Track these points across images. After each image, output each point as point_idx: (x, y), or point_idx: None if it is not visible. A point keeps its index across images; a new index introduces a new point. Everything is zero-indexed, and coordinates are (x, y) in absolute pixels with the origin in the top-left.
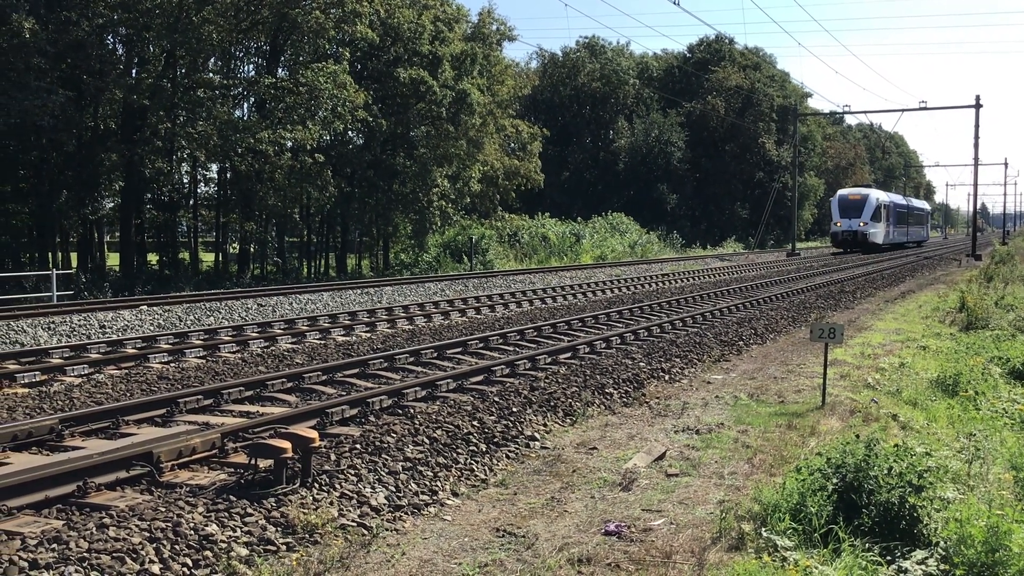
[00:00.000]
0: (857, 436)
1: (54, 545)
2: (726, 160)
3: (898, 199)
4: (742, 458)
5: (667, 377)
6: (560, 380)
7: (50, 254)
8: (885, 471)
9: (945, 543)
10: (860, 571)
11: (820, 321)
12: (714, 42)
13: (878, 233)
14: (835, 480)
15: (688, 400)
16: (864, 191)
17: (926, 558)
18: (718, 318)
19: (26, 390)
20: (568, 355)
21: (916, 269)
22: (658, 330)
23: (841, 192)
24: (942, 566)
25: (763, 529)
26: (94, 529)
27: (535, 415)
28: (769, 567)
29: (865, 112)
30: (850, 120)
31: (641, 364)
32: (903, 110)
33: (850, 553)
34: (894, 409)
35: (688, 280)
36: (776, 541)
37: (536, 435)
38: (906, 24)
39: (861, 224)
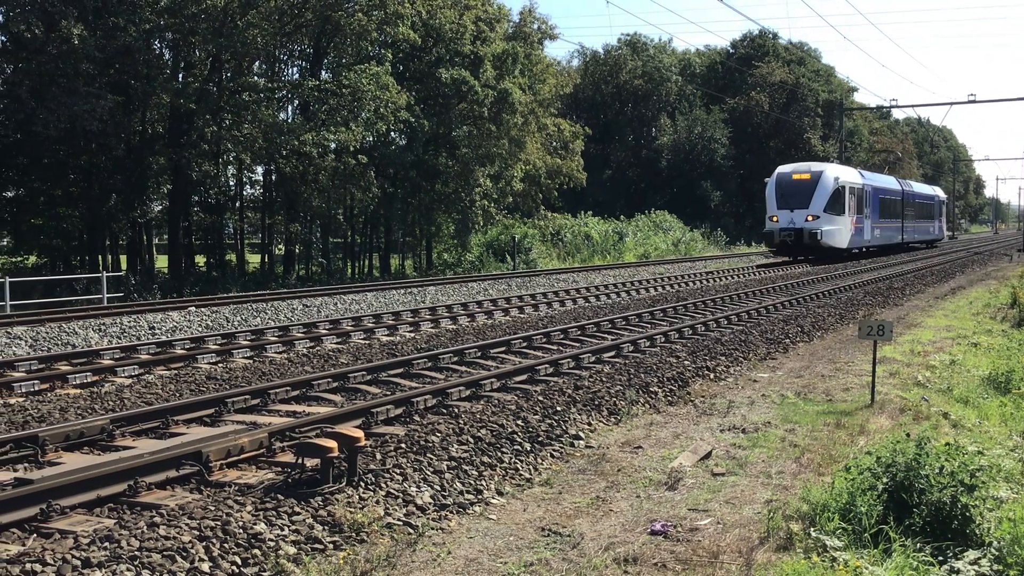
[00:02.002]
0: (907, 435)
1: (106, 544)
2: (771, 156)
3: (883, 180)
4: (790, 457)
5: (712, 375)
6: (604, 379)
7: (100, 257)
8: (936, 470)
9: (998, 543)
10: (911, 571)
11: (868, 318)
12: (758, 37)
13: (838, 232)
14: (885, 479)
15: (734, 399)
16: (817, 167)
17: (979, 558)
18: (763, 316)
19: (78, 391)
20: (612, 354)
21: (966, 265)
22: (703, 328)
23: (781, 170)
24: (995, 566)
25: (812, 529)
26: (145, 528)
27: (579, 414)
28: (818, 567)
29: (912, 106)
30: (897, 114)
31: (686, 362)
32: (951, 103)
33: (901, 553)
34: (945, 407)
35: (732, 278)
36: (825, 541)
37: (580, 434)
38: (954, 16)
39: (809, 218)
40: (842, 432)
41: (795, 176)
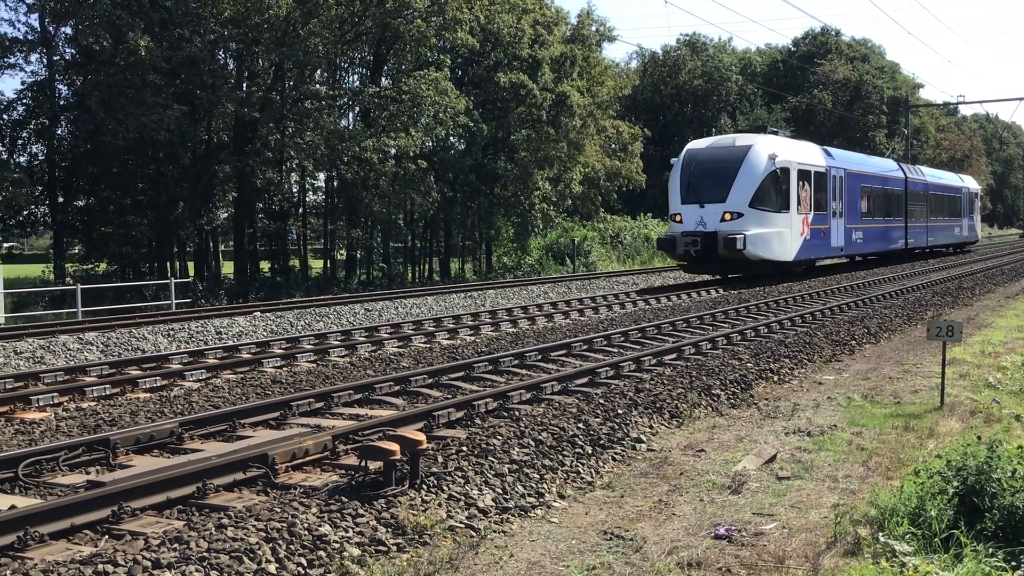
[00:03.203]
0: (978, 437)
1: (175, 545)
2: None
3: (869, 163)
4: (857, 461)
5: (776, 378)
6: (665, 381)
7: (168, 263)
8: (1008, 474)
9: None
10: None
11: (937, 319)
12: (820, 34)
13: (776, 237)
14: (955, 483)
15: (798, 401)
16: (745, 140)
17: None
18: (828, 317)
19: (148, 395)
20: (673, 356)
21: None
22: (765, 330)
23: (692, 146)
24: None
25: (880, 534)
26: (213, 529)
27: (640, 417)
28: (887, 572)
29: (980, 102)
30: (965, 110)
31: (748, 365)
32: (1021, 99)
33: (972, 558)
34: (1017, 409)
35: (796, 278)
36: (894, 546)
37: (642, 437)
38: (1022, 10)
39: (727, 216)
40: (911, 435)
41: (713, 154)
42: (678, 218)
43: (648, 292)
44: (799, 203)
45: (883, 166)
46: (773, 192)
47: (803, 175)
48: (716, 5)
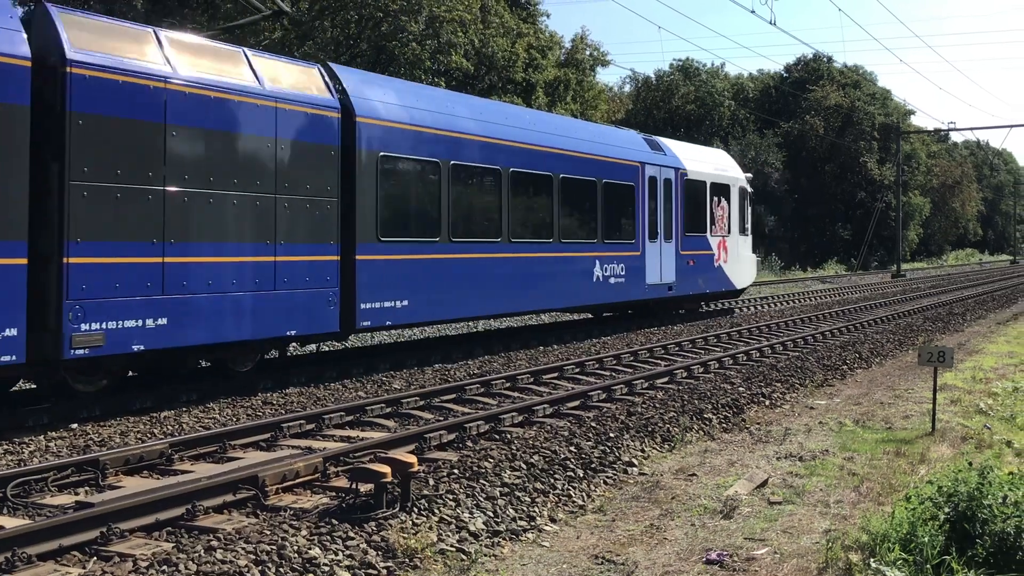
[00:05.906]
0: (970, 463)
1: (164, 567)
2: (826, 180)
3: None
4: (848, 486)
5: (768, 402)
6: (657, 405)
7: None
8: (999, 500)
9: None
10: None
11: (928, 344)
12: (812, 61)
13: None
14: (947, 509)
15: (790, 426)
16: None
17: None
18: (820, 342)
19: (137, 416)
20: (665, 379)
21: None
22: (757, 354)
23: None
24: None
25: (872, 559)
26: (202, 552)
27: (632, 440)
28: None
29: (971, 128)
30: (956, 137)
31: (740, 389)
32: (1011, 126)
33: None
34: (1008, 435)
35: (787, 303)
36: (886, 572)
37: (634, 461)
38: (1012, 38)
39: None
40: (902, 461)
41: None
42: None
43: None
44: None
45: None
46: None
47: None
48: (709, 31)
